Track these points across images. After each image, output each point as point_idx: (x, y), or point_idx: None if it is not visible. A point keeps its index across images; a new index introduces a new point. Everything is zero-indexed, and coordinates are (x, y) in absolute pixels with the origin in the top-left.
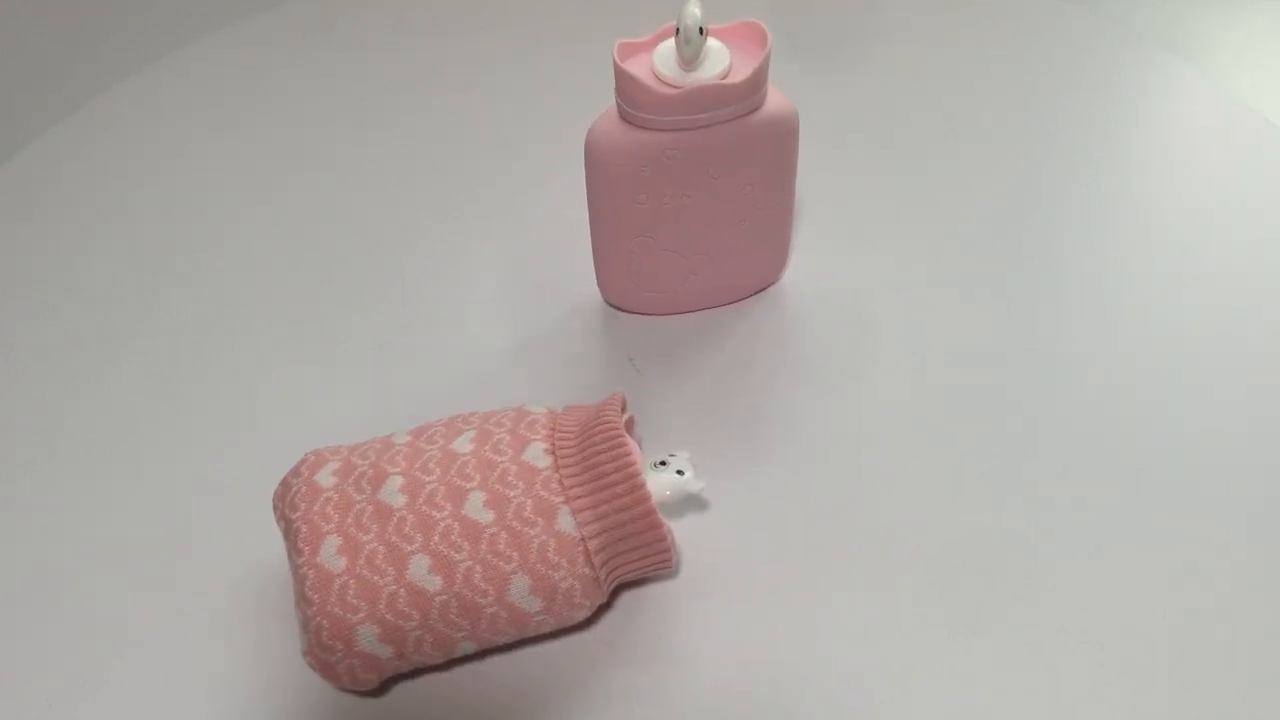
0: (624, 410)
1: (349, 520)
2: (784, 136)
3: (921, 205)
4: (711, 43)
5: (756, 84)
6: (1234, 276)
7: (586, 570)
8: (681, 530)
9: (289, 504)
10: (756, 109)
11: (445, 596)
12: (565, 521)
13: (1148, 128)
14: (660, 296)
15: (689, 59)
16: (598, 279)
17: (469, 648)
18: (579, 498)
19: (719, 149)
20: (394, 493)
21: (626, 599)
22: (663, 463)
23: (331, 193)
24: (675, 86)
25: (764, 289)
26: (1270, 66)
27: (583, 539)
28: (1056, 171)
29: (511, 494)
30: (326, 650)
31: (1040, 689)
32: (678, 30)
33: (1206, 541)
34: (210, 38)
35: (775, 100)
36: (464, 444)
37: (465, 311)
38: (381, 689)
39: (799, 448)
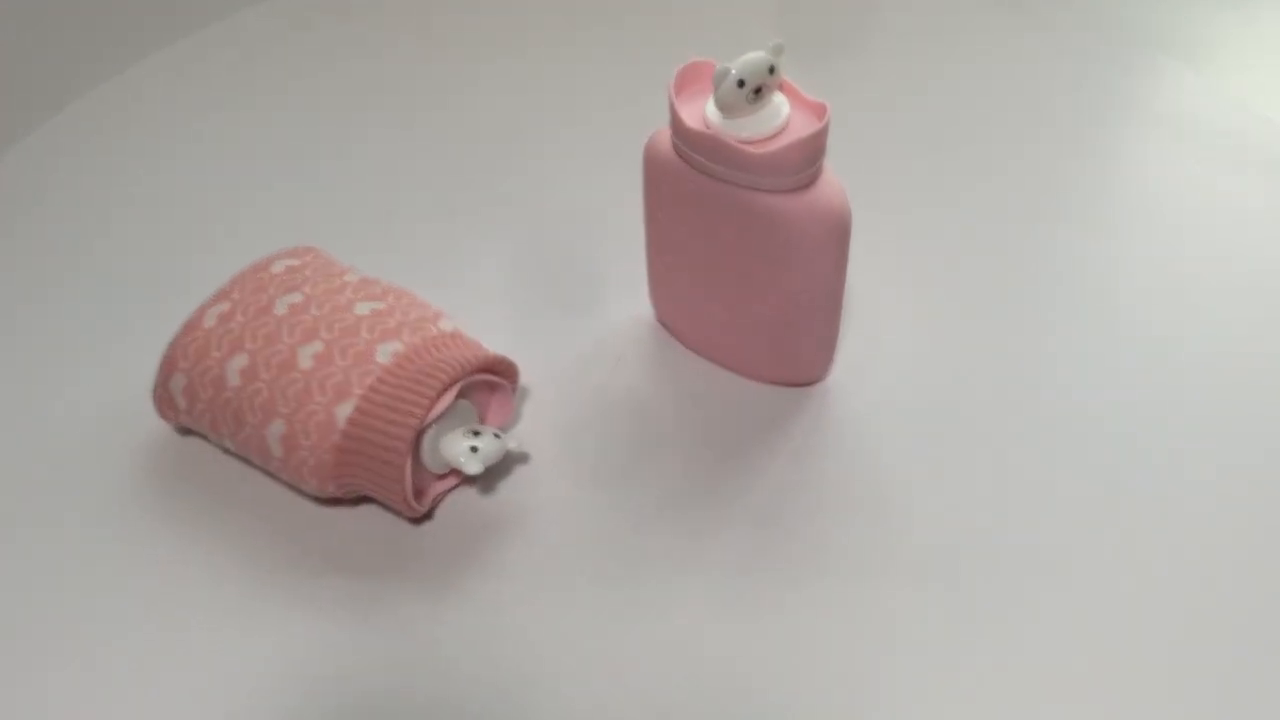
0: (511, 379)
1: (240, 305)
2: (816, 235)
3: (916, 206)
4: (778, 101)
5: (776, 164)
6: (1234, 278)
7: (326, 458)
8: (684, 529)
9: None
10: (784, 191)
11: (231, 395)
12: (342, 410)
13: (1147, 129)
14: (687, 330)
15: (722, 105)
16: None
17: (230, 446)
18: (366, 400)
19: (732, 213)
20: (286, 305)
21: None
22: (476, 432)
23: (330, 190)
24: (704, 125)
25: (796, 384)
26: (1270, 67)
27: (341, 432)
28: (1054, 174)
29: (336, 365)
30: (158, 375)
31: (1040, 688)
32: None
33: (1207, 541)
34: (202, 32)
35: (821, 195)
36: (364, 308)
37: (470, 314)
38: None
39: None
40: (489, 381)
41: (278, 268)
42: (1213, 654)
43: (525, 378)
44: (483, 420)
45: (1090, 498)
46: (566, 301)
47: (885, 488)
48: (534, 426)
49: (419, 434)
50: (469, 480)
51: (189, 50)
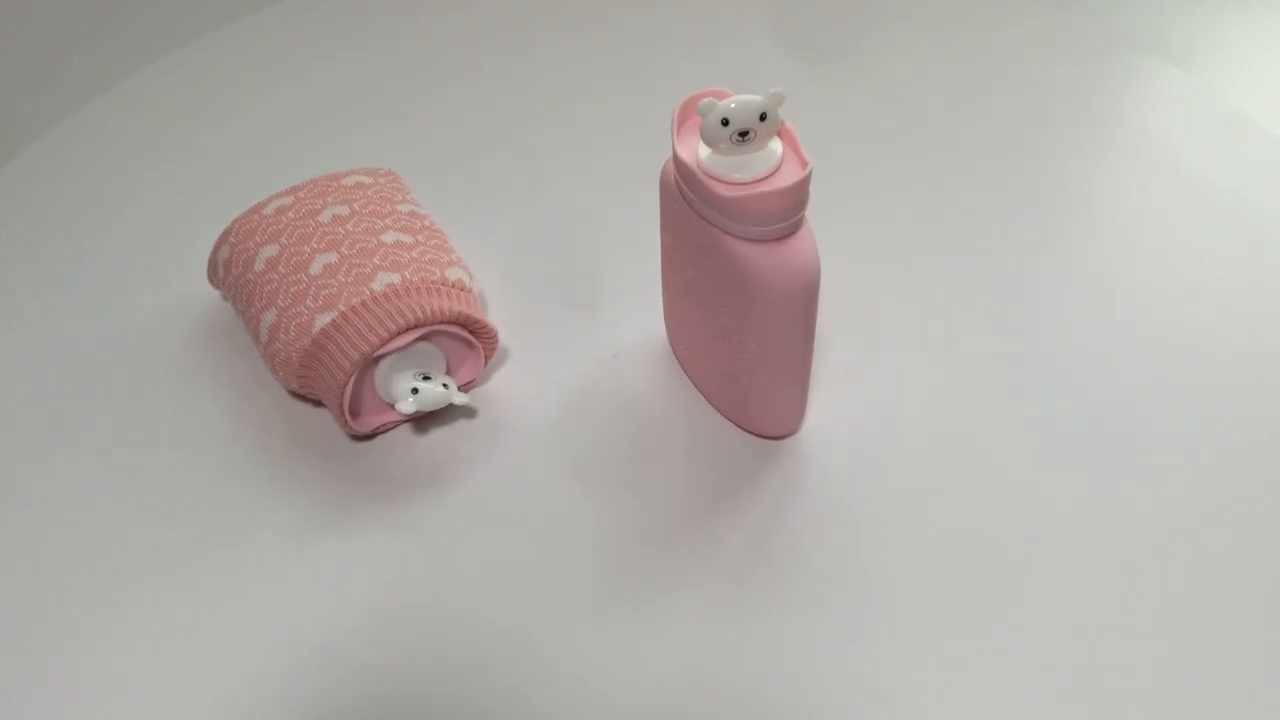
0: (487, 344)
1: (299, 203)
2: (780, 291)
3: (910, 208)
4: (772, 148)
5: (743, 210)
6: (1228, 282)
7: (294, 356)
8: (684, 529)
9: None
10: (754, 240)
11: (252, 278)
12: (321, 319)
13: (1140, 132)
14: (686, 360)
15: (707, 141)
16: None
17: (240, 321)
18: (343, 317)
19: (712, 253)
20: (331, 214)
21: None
22: (427, 377)
23: None
24: (696, 157)
25: (763, 436)
26: (1263, 71)
27: (311, 338)
28: (1049, 177)
29: (337, 279)
30: (215, 243)
31: (1038, 689)
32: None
33: (1206, 539)
34: (210, 35)
35: (792, 251)
36: (391, 237)
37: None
38: None
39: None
40: (464, 338)
41: (349, 180)
42: (1213, 654)
43: (518, 360)
44: (451, 372)
45: (1075, 541)
46: (572, 298)
47: (856, 546)
48: (518, 405)
49: (374, 362)
50: (412, 421)
51: (201, 50)
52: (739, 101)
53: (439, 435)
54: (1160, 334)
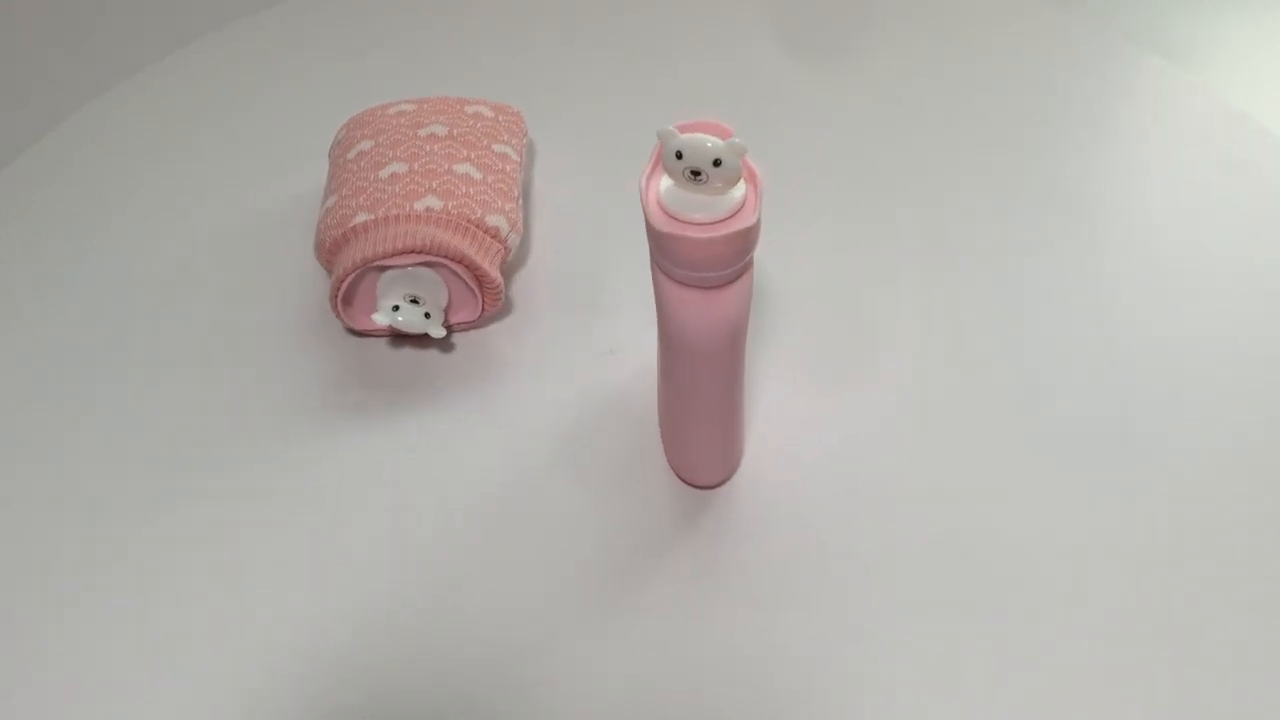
0: (488, 295)
1: (416, 113)
2: (697, 339)
3: (909, 209)
4: (735, 195)
5: (667, 248)
6: (1226, 281)
7: (326, 240)
8: (681, 527)
9: None
10: (679, 281)
11: (342, 165)
12: (358, 218)
13: (1140, 132)
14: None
15: (665, 168)
16: None
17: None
18: (373, 224)
19: (653, 283)
20: (429, 131)
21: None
22: (415, 301)
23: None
24: (654, 180)
25: (692, 484)
26: (1264, 71)
27: (343, 231)
28: (1050, 179)
29: (392, 189)
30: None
31: (1037, 690)
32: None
33: (1206, 540)
34: (211, 36)
35: (720, 301)
36: (462, 169)
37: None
38: None
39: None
40: (466, 281)
41: (471, 109)
42: (1212, 654)
43: (519, 359)
44: (451, 309)
45: (1053, 573)
46: (572, 298)
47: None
48: (518, 405)
49: (380, 270)
50: (395, 333)
51: (201, 50)
52: (696, 140)
53: (439, 421)
54: (1161, 334)
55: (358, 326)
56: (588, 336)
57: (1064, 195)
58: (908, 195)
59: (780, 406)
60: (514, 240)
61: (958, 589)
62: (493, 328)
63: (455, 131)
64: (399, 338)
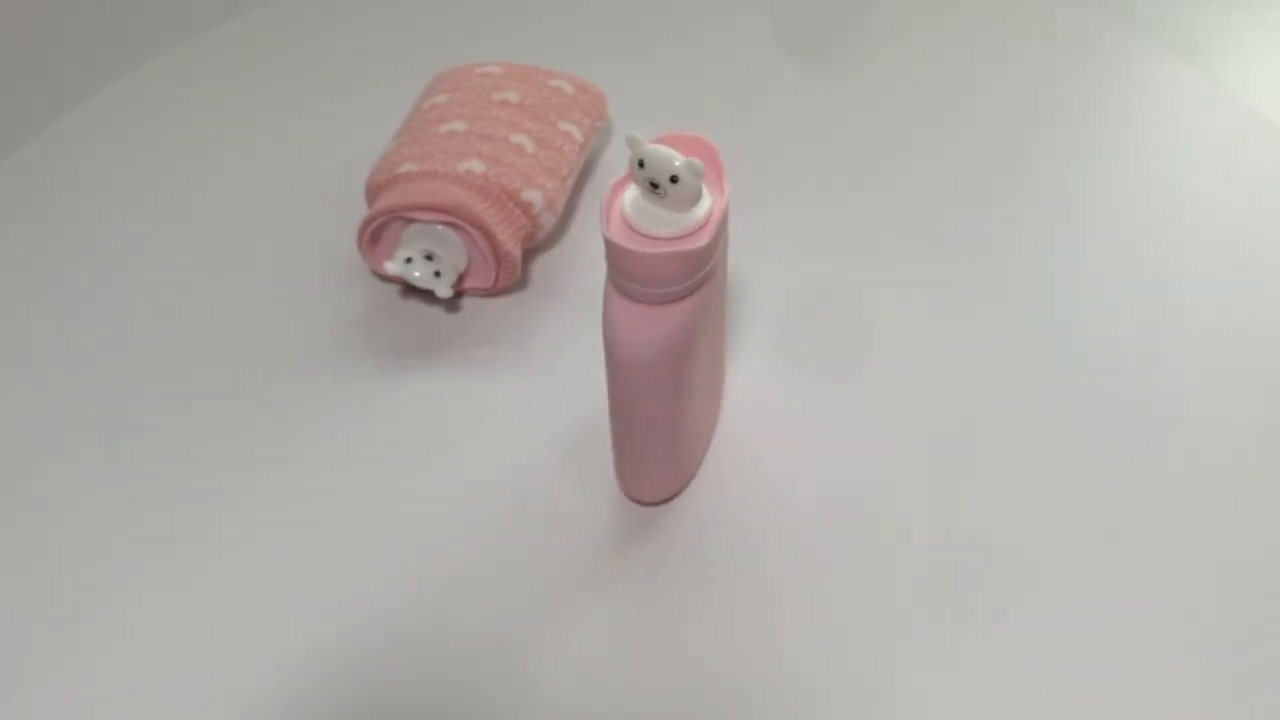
0: (503, 269)
1: (499, 77)
2: (631, 355)
3: (910, 209)
4: (698, 213)
5: (612, 256)
6: (1227, 280)
7: (380, 180)
8: (678, 524)
9: None
10: (621, 292)
11: (413, 114)
12: (404, 167)
13: (1147, 126)
14: None
15: (634, 178)
16: None
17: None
18: (417, 176)
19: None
20: (501, 97)
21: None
22: (429, 257)
23: (336, 190)
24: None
25: (635, 500)
26: (1270, 63)
27: (392, 176)
28: (1055, 172)
29: (443, 146)
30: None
31: (1037, 690)
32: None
33: (1205, 539)
34: (207, 34)
35: (665, 319)
36: (517, 139)
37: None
38: None
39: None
40: (482, 247)
41: (554, 82)
42: (1213, 654)
43: (518, 357)
44: (468, 273)
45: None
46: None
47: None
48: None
49: (407, 222)
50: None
51: (197, 49)
52: (659, 153)
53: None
54: (1161, 334)
55: (377, 269)
56: (589, 334)
57: (1064, 192)
58: (907, 194)
59: (754, 408)
60: (548, 219)
61: (909, 592)
62: (503, 300)
63: (527, 102)
64: (410, 289)
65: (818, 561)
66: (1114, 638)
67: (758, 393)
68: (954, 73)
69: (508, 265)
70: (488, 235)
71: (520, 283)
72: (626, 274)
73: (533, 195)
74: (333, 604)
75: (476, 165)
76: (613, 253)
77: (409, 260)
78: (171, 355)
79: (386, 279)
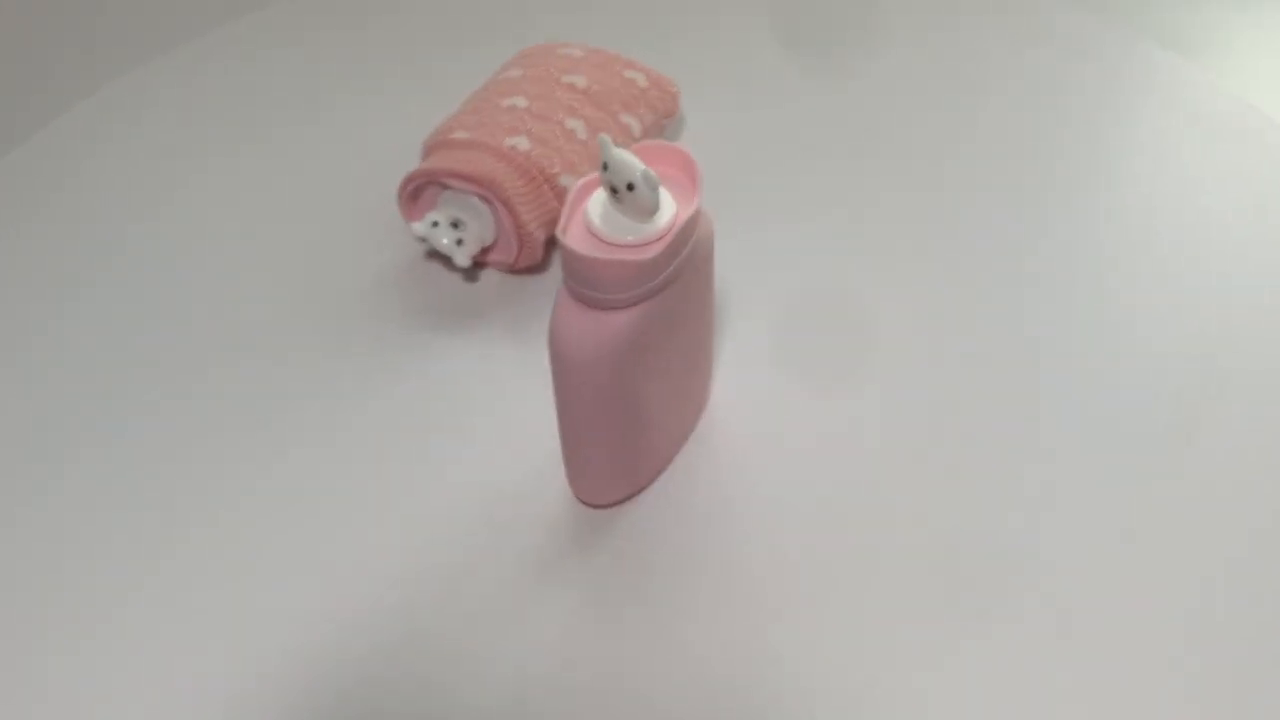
0: (526, 251)
1: (578, 58)
2: (576, 354)
3: (909, 209)
4: (658, 222)
5: (566, 259)
6: (1229, 279)
7: (438, 141)
8: (681, 527)
9: None
10: (571, 295)
11: (489, 81)
12: (459, 135)
13: (1149, 126)
14: None
15: (603, 180)
16: None
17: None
18: (468, 143)
19: None
20: (570, 80)
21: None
22: (455, 224)
23: (336, 192)
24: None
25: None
26: (1272, 62)
27: (447, 141)
28: (1056, 173)
29: (501, 120)
30: None
31: (1037, 691)
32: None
33: (1207, 540)
34: (207, 34)
35: (612, 324)
36: (571, 124)
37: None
38: None
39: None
40: (507, 224)
41: (629, 73)
42: (1212, 654)
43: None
44: (493, 245)
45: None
46: None
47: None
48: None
49: (443, 187)
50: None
51: (198, 50)
52: (622, 158)
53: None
54: (1161, 334)
55: (414, 221)
56: None
57: (1064, 192)
58: (905, 197)
59: (741, 411)
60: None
61: (879, 593)
62: (523, 278)
63: (594, 89)
64: (433, 252)
65: (793, 561)
66: (1113, 638)
67: (746, 395)
68: (953, 74)
69: (529, 245)
70: (512, 212)
71: (542, 265)
72: (572, 274)
73: (568, 181)
74: (319, 602)
75: (522, 142)
76: (562, 252)
77: (435, 225)
78: (170, 355)
79: (420, 238)
